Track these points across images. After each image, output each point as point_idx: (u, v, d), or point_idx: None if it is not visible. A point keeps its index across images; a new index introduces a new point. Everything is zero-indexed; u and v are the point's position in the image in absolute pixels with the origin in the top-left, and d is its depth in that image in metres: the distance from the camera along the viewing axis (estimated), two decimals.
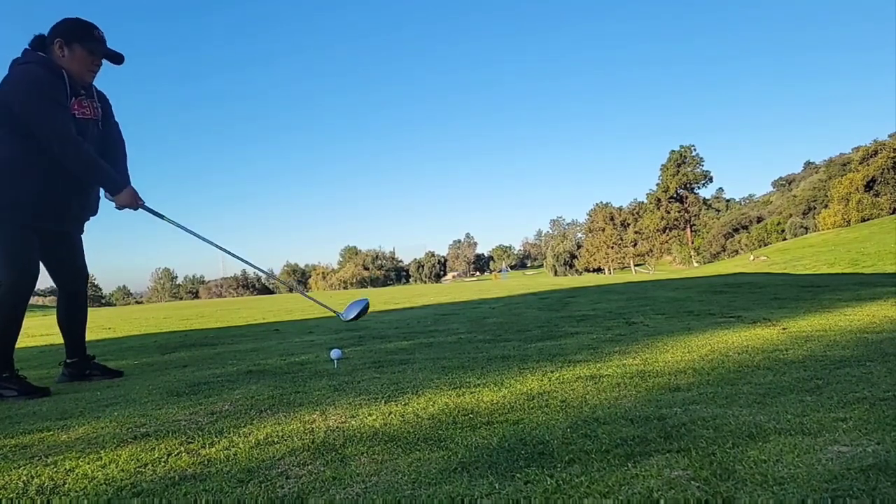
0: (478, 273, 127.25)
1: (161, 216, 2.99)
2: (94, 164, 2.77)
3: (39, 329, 7.76)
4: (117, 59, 2.87)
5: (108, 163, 2.92)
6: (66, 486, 1.36)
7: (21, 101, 2.64)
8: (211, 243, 3.20)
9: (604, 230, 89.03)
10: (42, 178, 2.73)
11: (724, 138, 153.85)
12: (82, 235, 3.11)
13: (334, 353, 2.90)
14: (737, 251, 66.78)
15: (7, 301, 2.73)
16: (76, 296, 3.10)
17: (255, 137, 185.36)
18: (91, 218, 3.09)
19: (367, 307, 2.75)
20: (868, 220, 47.50)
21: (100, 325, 8.61)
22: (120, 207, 2.91)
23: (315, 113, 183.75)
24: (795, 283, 7.62)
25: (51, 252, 2.91)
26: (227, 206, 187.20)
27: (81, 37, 2.78)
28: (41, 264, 2.88)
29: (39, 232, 2.81)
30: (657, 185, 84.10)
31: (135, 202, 2.89)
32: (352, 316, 2.69)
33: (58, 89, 2.70)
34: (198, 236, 3.13)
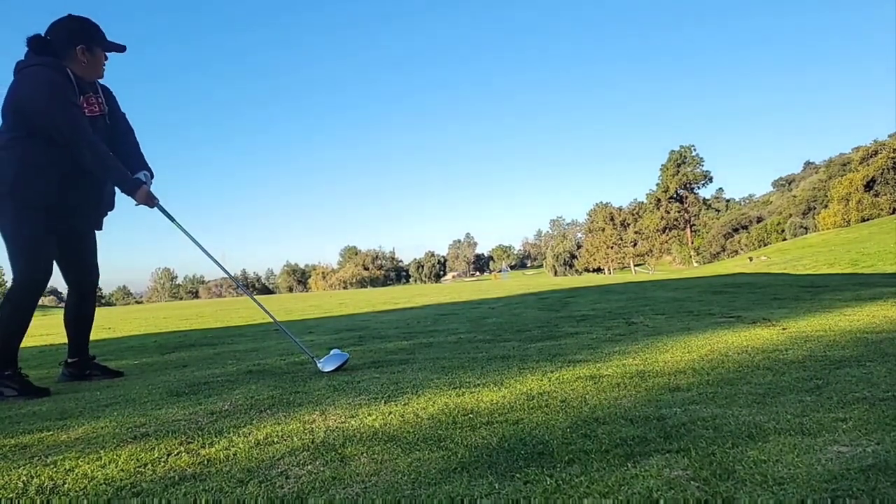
0: (478, 273, 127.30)
1: (172, 219, 2.99)
2: (112, 165, 2.80)
3: (39, 329, 7.76)
4: (123, 50, 2.91)
5: (124, 154, 2.94)
6: (66, 486, 1.36)
7: (40, 106, 2.65)
8: (210, 255, 3.17)
9: (604, 230, 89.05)
10: (59, 179, 2.75)
11: (724, 138, 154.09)
12: (100, 231, 3.12)
13: (334, 356, 2.77)
14: (737, 251, 66.83)
15: (18, 297, 2.74)
16: (88, 295, 3.12)
17: (254, 137, 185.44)
18: (109, 213, 3.11)
19: (346, 361, 2.74)
20: (868, 220, 47.53)
21: (100, 325, 8.59)
22: (137, 203, 2.92)
23: (315, 112, 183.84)
24: (795, 283, 7.62)
25: (65, 250, 2.92)
26: (227, 206, 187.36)
27: (99, 39, 2.82)
28: (54, 263, 2.88)
29: (56, 231, 2.82)
30: (657, 185, 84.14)
31: (150, 201, 2.89)
32: (329, 368, 2.67)
33: (70, 91, 2.72)
34: (200, 247, 3.11)
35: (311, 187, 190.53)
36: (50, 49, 2.75)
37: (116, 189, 3.00)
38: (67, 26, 2.78)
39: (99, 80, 2.95)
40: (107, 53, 2.88)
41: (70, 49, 2.75)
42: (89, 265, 3.08)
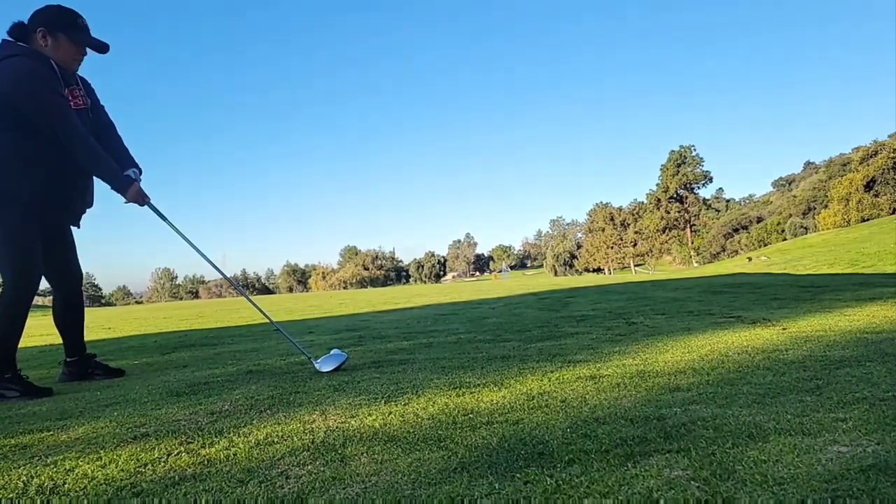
0: (478, 273, 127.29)
1: (163, 217, 2.96)
2: (102, 160, 2.74)
3: (39, 329, 7.75)
4: (102, 48, 2.80)
5: (109, 149, 2.87)
6: (66, 486, 1.36)
7: (26, 97, 2.58)
8: (201, 254, 3.14)
9: (604, 230, 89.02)
10: (44, 173, 2.69)
11: (724, 138, 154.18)
12: (77, 231, 3.05)
13: (332, 356, 2.76)
14: (737, 251, 66.85)
15: (10, 299, 2.68)
16: (71, 295, 3.04)
17: (255, 137, 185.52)
18: (87, 210, 3.04)
19: (345, 362, 2.73)
20: (868, 220, 47.52)
21: (100, 325, 8.61)
22: (127, 201, 2.85)
23: (315, 112, 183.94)
24: (795, 283, 7.62)
25: (48, 248, 2.84)
26: (228, 206, 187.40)
27: (65, 25, 2.70)
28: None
29: (40, 228, 2.76)
30: (657, 185, 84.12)
31: (141, 199, 2.84)
32: (327, 368, 2.66)
33: (56, 82, 2.65)
34: (192, 245, 3.06)
35: (311, 187, 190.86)
36: (22, 34, 2.67)
37: (96, 186, 2.93)
38: (39, 11, 2.70)
39: (78, 73, 2.85)
40: (87, 49, 2.77)
41: (32, 33, 2.67)
42: (70, 264, 3.00)
